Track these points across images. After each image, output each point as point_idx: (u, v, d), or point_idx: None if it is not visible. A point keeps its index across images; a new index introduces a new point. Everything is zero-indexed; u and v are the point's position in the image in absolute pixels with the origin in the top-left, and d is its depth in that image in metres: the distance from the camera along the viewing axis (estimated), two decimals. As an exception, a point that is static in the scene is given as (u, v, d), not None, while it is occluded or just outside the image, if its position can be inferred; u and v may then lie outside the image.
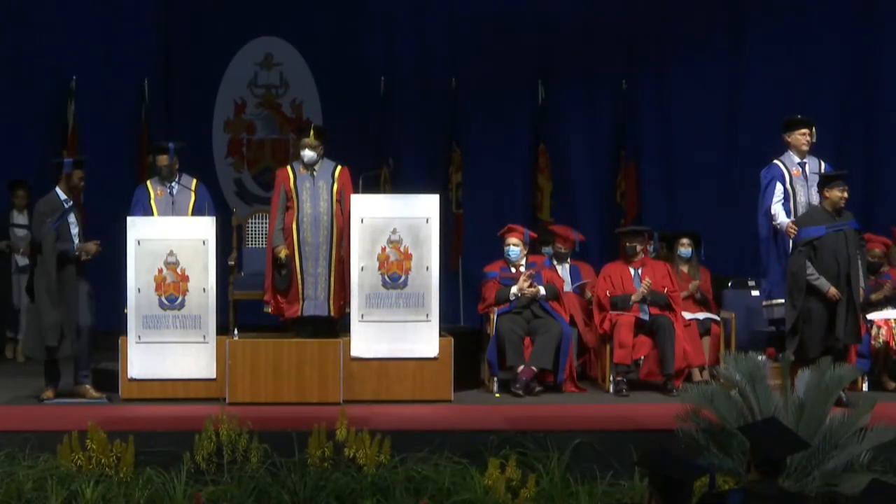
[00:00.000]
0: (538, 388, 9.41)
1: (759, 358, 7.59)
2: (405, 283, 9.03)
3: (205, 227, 9.06)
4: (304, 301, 9.25)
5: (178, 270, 8.96)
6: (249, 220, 10.45)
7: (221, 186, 12.62)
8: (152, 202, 9.48)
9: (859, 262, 9.06)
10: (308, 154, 9.31)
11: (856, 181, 9.17)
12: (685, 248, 10.54)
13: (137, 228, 9.01)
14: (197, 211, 9.46)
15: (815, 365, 7.58)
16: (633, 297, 9.67)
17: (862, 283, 9.09)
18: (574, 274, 10.54)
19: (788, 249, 9.35)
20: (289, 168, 9.46)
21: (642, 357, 9.59)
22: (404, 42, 12.85)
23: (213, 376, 8.91)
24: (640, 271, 9.85)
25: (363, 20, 12.79)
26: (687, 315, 9.87)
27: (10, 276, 11.25)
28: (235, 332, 9.55)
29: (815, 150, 9.63)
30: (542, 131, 12.70)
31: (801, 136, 9.51)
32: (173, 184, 9.52)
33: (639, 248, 9.96)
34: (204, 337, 8.97)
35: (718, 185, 12.64)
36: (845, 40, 12.70)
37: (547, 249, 10.76)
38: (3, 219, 11.38)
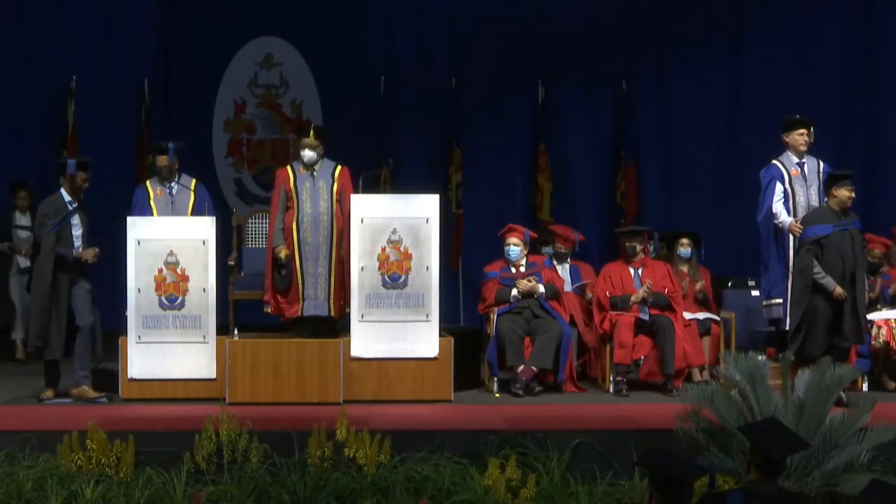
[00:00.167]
0: (538, 388, 9.41)
1: (759, 358, 7.59)
2: (405, 283, 9.03)
3: (205, 227, 9.06)
4: (304, 301, 9.25)
5: (178, 270, 8.96)
6: (249, 220, 10.45)
7: (221, 186, 12.62)
8: (152, 202, 9.47)
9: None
10: (308, 154, 9.31)
11: (856, 181, 9.16)
12: (685, 248, 10.54)
13: (137, 228, 9.01)
14: (196, 211, 9.46)
15: (815, 365, 7.58)
16: (633, 299, 9.66)
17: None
18: (574, 274, 10.55)
19: (788, 249, 9.36)
20: (289, 168, 9.46)
21: (642, 357, 9.59)
22: (404, 42, 12.86)
23: (213, 376, 8.91)
24: (640, 271, 9.86)
25: (363, 20, 12.79)
26: (687, 315, 9.87)
27: (9, 278, 11.21)
28: (235, 332, 9.55)
29: (815, 150, 9.63)
30: (542, 131, 12.71)
31: (799, 137, 9.52)
32: (173, 184, 9.51)
33: (639, 248, 9.96)
34: (204, 337, 8.97)
35: (718, 185, 12.65)
36: (845, 40, 12.71)
37: (547, 249, 10.76)
38: (6, 220, 11.34)
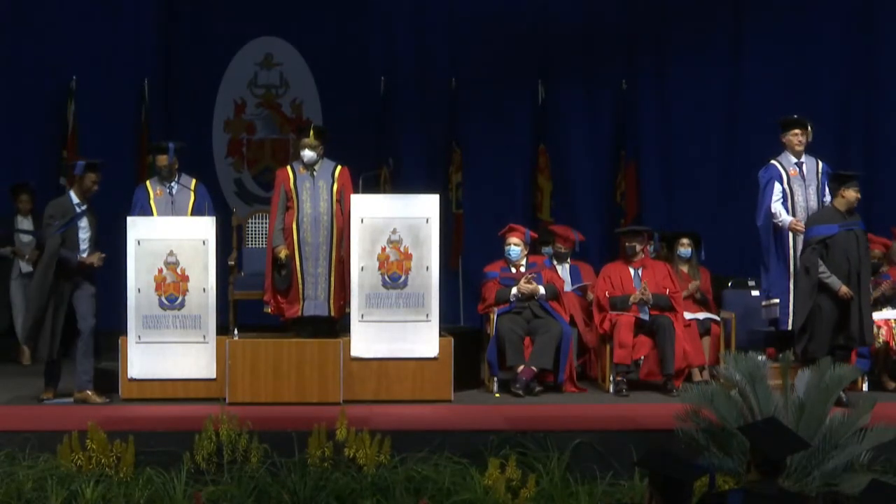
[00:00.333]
0: (538, 388, 9.41)
1: (759, 358, 7.59)
2: (405, 283, 9.03)
3: (205, 227, 9.06)
4: (304, 301, 9.25)
5: (178, 270, 8.96)
6: (249, 220, 10.45)
7: (221, 186, 12.62)
8: (152, 202, 9.47)
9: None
10: (308, 154, 9.31)
11: (859, 182, 9.17)
12: (685, 248, 10.53)
13: (137, 228, 9.01)
14: (196, 211, 9.46)
15: (815, 365, 7.59)
16: (631, 300, 9.66)
17: (866, 284, 9.12)
18: (574, 274, 10.54)
19: (788, 249, 9.36)
20: (289, 168, 9.46)
21: (642, 357, 9.59)
22: (404, 42, 12.86)
23: (213, 376, 8.91)
24: (640, 271, 9.85)
25: (363, 20, 12.79)
26: (687, 315, 9.87)
27: (10, 282, 11.14)
28: (235, 332, 9.55)
29: (816, 150, 9.63)
30: (542, 131, 12.71)
31: (794, 137, 9.52)
32: (173, 184, 9.50)
33: (639, 248, 9.96)
34: (204, 337, 8.97)
35: (718, 185, 12.66)
36: (845, 40, 12.71)
37: (547, 249, 10.76)
38: (8, 224, 11.22)
